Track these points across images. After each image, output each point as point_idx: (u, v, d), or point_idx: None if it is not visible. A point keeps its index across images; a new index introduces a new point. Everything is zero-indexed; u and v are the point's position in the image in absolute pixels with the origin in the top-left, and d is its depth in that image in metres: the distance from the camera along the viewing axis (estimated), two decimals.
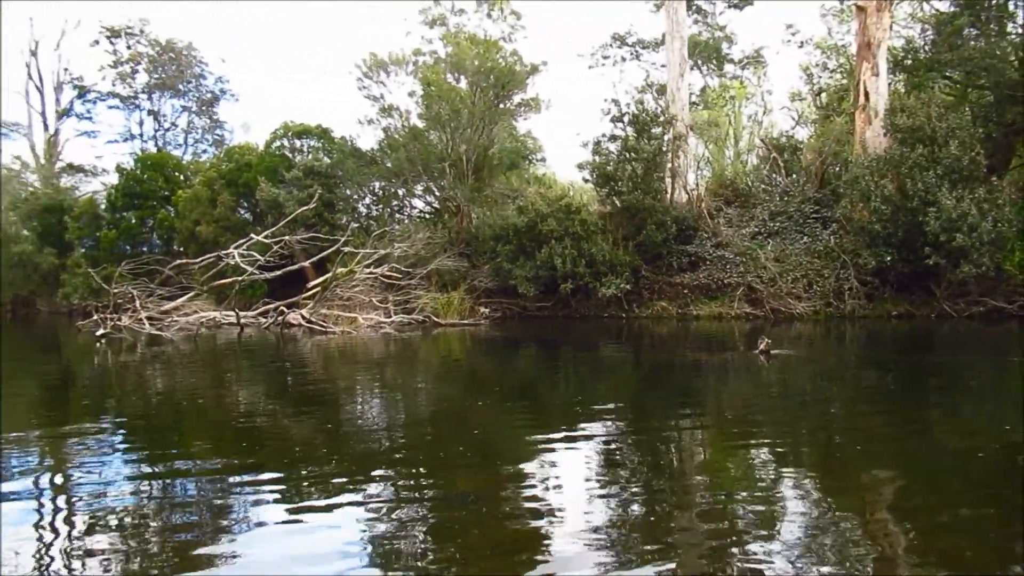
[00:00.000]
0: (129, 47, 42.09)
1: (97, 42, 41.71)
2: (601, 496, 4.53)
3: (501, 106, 24.85)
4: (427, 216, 26.99)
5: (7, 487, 4.83)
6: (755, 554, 3.54)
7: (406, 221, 26.78)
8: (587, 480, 4.89)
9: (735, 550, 3.61)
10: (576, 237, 20.78)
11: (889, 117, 19.14)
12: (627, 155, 21.83)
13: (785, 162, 23.66)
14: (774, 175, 23.69)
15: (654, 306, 21.12)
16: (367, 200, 27.38)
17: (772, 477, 5.01)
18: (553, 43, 59.21)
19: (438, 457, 5.68)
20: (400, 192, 26.87)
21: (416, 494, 4.61)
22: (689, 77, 26.63)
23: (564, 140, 76.19)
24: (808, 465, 5.36)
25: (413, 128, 24.75)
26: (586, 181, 24.23)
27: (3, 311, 32.91)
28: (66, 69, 41.10)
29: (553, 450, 5.71)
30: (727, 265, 20.72)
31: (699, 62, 33.80)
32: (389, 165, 24.77)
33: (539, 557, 3.57)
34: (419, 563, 3.50)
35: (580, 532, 3.85)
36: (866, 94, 20.46)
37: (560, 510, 4.25)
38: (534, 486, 4.74)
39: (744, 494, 4.60)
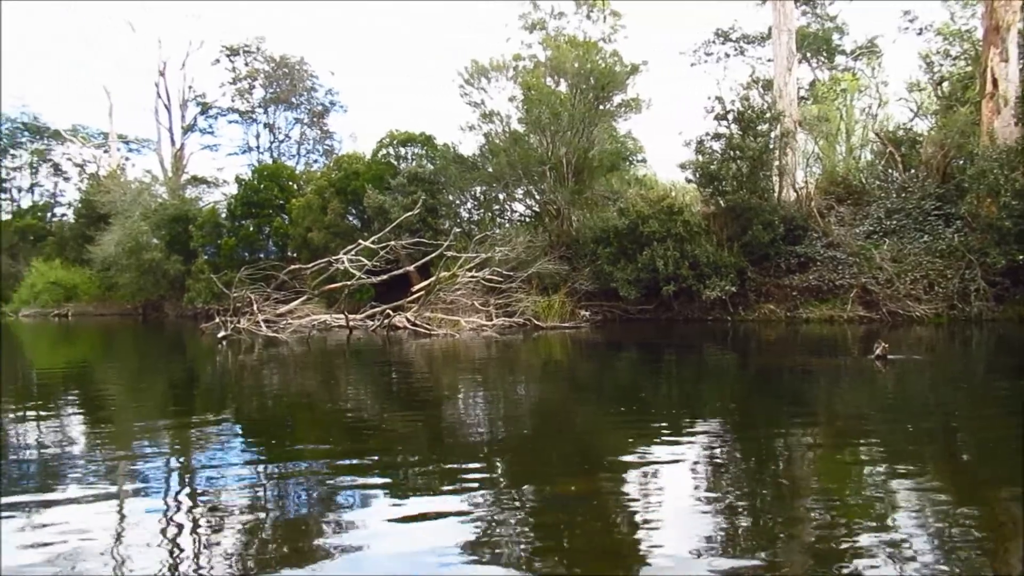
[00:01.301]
0: (247, 64, 44.59)
1: (218, 60, 44.43)
2: (705, 502, 4.45)
3: (601, 108, 24.72)
4: (528, 220, 27.16)
5: (140, 472, 5.23)
6: (865, 570, 3.39)
7: (507, 225, 27.06)
8: (690, 485, 4.80)
9: (845, 564, 3.47)
10: (679, 238, 20.41)
11: (1020, 105, 17.81)
12: (732, 153, 21.28)
13: (903, 156, 22.43)
14: (890, 170, 22.51)
15: (761, 309, 20.48)
16: (469, 205, 27.86)
17: (886, 489, 4.76)
18: (654, 42, 58.48)
19: (540, 458, 5.72)
20: (501, 196, 27.17)
21: (518, 495, 4.66)
22: (797, 71, 25.71)
23: (666, 140, 75.04)
24: (928, 478, 5.06)
25: (513, 133, 24.98)
26: (689, 181, 23.78)
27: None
28: (190, 87, 43.91)
29: (656, 454, 5.64)
30: (839, 266, 19.85)
31: (808, 55, 32.56)
32: (490, 170, 25.10)
33: (641, 561, 3.54)
34: (520, 564, 3.53)
35: (683, 538, 3.79)
36: (994, 81, 19.15)
37: (663, 515, 4.19)
38: (637, 490, 4.70)
39: (856, 505, 4.40)
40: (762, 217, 20.56)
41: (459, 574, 3.40)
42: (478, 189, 26.95)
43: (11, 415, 8.26)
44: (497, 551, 3.68)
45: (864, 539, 3.78)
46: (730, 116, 21.73)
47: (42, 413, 8.38)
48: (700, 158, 22.00)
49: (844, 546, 3.70)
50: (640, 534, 3.92)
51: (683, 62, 42.02)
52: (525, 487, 4.87)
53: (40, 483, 5.09)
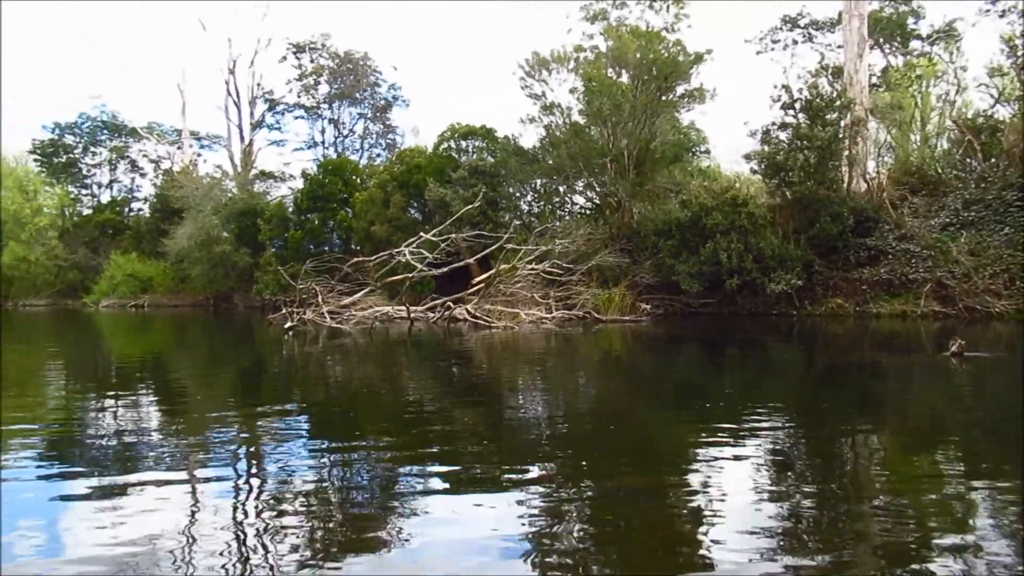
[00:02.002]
0: (312, 60, 45.45)
1: (285, 58, 45.42)
2: (768, 499, 4.35)
3: (664, 98, 24.36)
4: (588, 212, 27.02)
5: (211, 457, 5.42)
6: (938, 572, 3.26)
7: (567, 217, 26.96)
8: (753, 482, 4.71)
9: (916, 566, 3.35)
10: (743, 231, 20.00)
11: None
12: (799, 143, 20.72)
13: (982, 145, 21.44)
14: (969, 160, 21.55)
15: (828, 303, 19.91)
16: (529, 197, 27.87)
17: (960, 489, 4.57)
18: (719, 30, 57.31)
19: (599, 452, 5.69)
20: (561, 189, 27.09)
21: (577, 488, 4.65)
22: (869, 57, 24.83)
23: (730, 130, 73.49)
24: (1004, 479, 4.84)
25: (574, 125, 24.85)
26: (754, 172, 23.26)
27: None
28: (259, 84, 44.99)
29: (717, 450, 5.55)
30: (912, 259, 19.14)
31: (880, 40, 31.39)
32: (550, 162, 25.04)
33: (702, 558, 3.49)
34: (579, 558, 3.53)
35: (745, 535, 3.72)
36: None
37: (724, 511, 4.12)
38: (698, 486, 4.63)
39: (928, 505, 4.24)
40: (830, 209, 19.98)
41: (518, 568, 3.41)
42: (538, 182, 26.93)
43: (93, 401, 8.66)
44: (556, 543, 3.68)
45: (936, 540, 3.65)
46: (797, 105, 21.14)
47: (120, 399, 8.75)
48: (766, 148, 21.49)
49: (915, 548, 3.57)
50: (701, 530, 3.86)
51: (749, 51, 40.98)
52: (585, 480, 4.86)
53: (118, 466, 5.32)
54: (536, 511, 4.14)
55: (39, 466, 5.27)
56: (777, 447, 5.74)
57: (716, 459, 5.28)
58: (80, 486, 4.80)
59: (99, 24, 72.46)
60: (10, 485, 4.78)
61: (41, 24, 71.63)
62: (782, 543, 3.63)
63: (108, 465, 5.38)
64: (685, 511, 4.16)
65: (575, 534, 3.82)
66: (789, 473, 5.02)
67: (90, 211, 48.37)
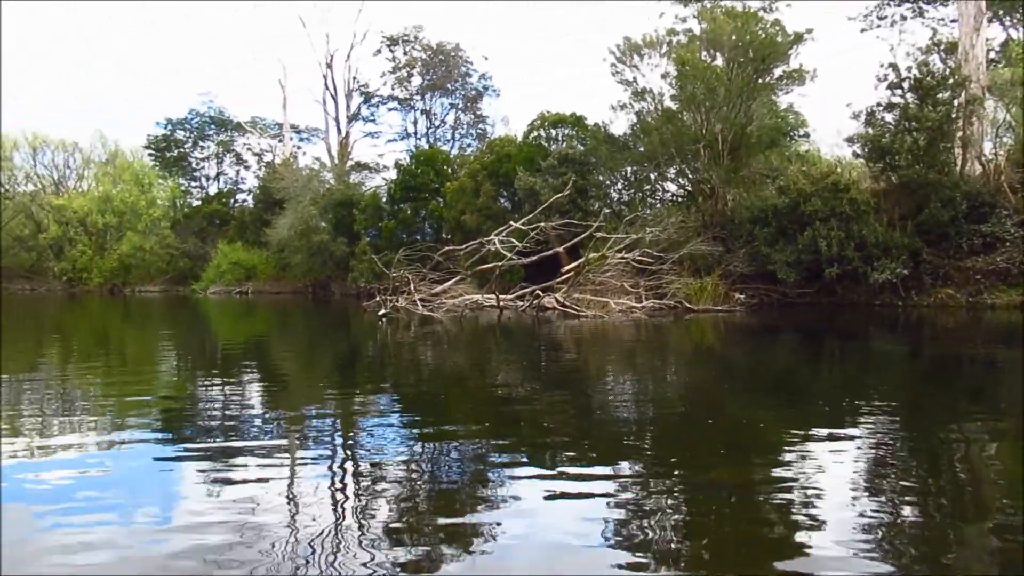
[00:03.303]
0: (405, 53, 46.26)
1: (379, 51, 46.38)
2: (867, 497, 4.16)
3: (760, 81, 23.54)
4: (680, 200, 26.52)
5: (308, 438, 5.64)
6: None
7: (658, 205, 26.56)
8: (851, 479, 4.51)
9: None
10: (844, 218, 19.16)
11: None
12: (907, 125, 19.65)
13: None
14: None
15: (937, 293, 18.86)
16: (619, 185, 27.56)
17: None
18: (819, 9, 54.83)
19: (690, 445, 5.59)
20: (652, 176, 26.68)
21: (666, 482, 4.58)
22: (987, 31, 23.22)
23: (831, 113, 70.38)
24: None
25: (666, 110, 24.37)
26: (856, 156, 22.22)
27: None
28: (355, 78, 46.14)
29: (813, 446, 5.35)
30: None
31: (999, 12, 29.27)
32: (641, 149, 24.68)
33: (796, 556, 3.37)
34: (668, 553, 3.47)
35: (842, 533, 3.57)
36: None
37: (820, 509, 3.96)
38: (792, 482, 4.47)
39: None
40: (941, 193, 18.87)
41: (605, 560, 3.39)
42: (629, 169, 26.58)
43: (201, 380, 9.16)
44: (644, 535, 3.64)
45: None
46: (906, 84, 20.02)
47: (226, 379, 9.22)
48: (870, 131, 20.47)
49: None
50: (795, 527, 3.73)
51: (852, 29, 39.08)
52: (674, 473, 4.78)
53: (223, 440, 5.60)
54: (624, 503, 4.11)
55: (152, 438, 5.66)
56: (878, 444, 5.48)
57: (812, 455, 5.10)
58: (188, 458, 5.12)
59: (208, 24, 76.06)
60: (125, 454, 5.18)
61: (156, 26, 75.96)
62: (881, 547, 3.47)
63: (214, 439, 5.69)
64: (779, 508, 4.03)
65: (664, 528, 3.77)
66: (891, 473, 4.79)
67: (199, 202, 50.90)
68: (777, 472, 4.74)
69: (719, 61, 23.82)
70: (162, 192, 49.21)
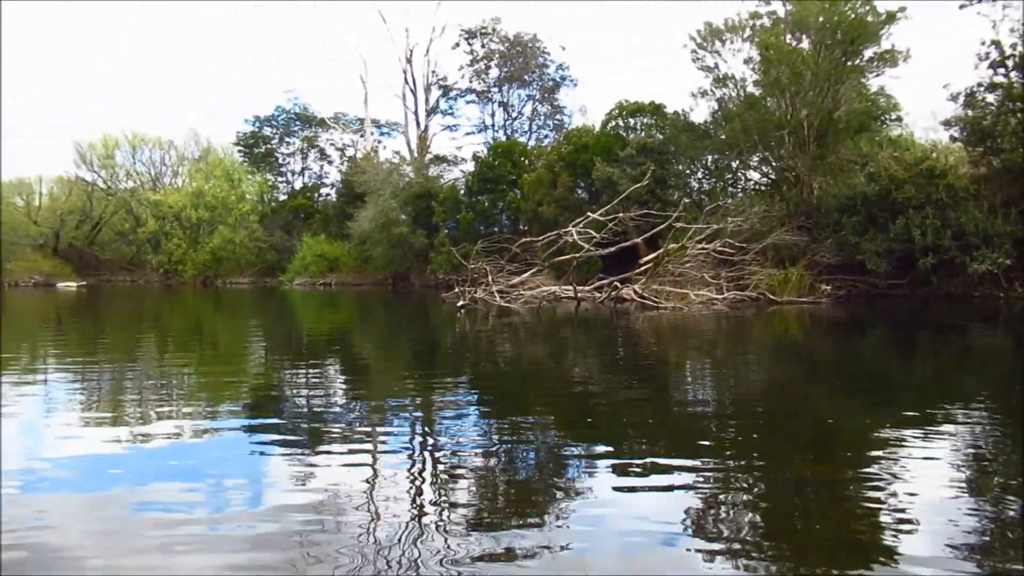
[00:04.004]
0: (483, 46, 46.49)
1: (457, 44, 46.75)
2: (961, 497, 3.97)
3: (849, 63, 22.60)
4: (763, 188, 25.83)
5: (388, 426, 5.77)
6: None
7: (740, 194, 25.93)
8: (946, 479, 4.29)
9: None
10: (940, 205, 18.25)
11: None
12: (1011, 105, 18.57)
13: None
14: None
15: None
16: (699, 174, 27.08)
17: None
18: None
19: (772, 441, 5.44)
20: (734, 164, 26.07)
21: (747, 478, 4.47)
22: None
23: (927, 95, 67.00)
24: None
25: (749, 96, 23.74)
26: (954, 140, 21.14)
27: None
28: (433, 72, 46.72)
29: (904, 443, 5.12)
30: None
31: None
32: (723, 137, 24.16)
33: (886, 557, 3.24)
34: (749, 552, 3.39)
35: (936, 535, 3.41)
36: None
37: (911, 508, 3.79)
38: (881, 480, 4.29)
39: None
40: None
41: (684, 559, 3.35)
42: (709, 158, 26.06)
43: (288, 368, 9.50)
44: (724, 532, 3.57)
45: None
46: (1010, 62, 18.89)
47: (311, 367, 9.53)
48: (970, 113, 19.46)
49: None
50: (882, 528, 3.59)
51: (950, 6, 37.03)
52: (756, 468, 4.67)
53: (308, 426, 5.81)
54: (703, 500, 4.02)
55: (241, 425, 5.92)
56: (974, 443, 5.21)
57: (904, 453, 4.88)
58: (276, 442, 5.34)
59: (289, 22, 78.40)
60: (219, 438, 5.46)
61: (245, 27, 78.84)
62: (975, 549, 3.30)
63: (300, 425, 5.92)
64: (868, 507, 3.88)
65: (744, 526, 3.69)
66: (987, 473, 4.55)
67: (285, 197, 52.67)
68: (866, 470, 4.56)
69: (805, 44, 23.02)
70: (251, 187, 51.06)
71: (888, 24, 22.08)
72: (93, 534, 3.49)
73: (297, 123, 54.53)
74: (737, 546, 3.38)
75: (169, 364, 9.92)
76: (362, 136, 50.14)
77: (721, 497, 4.06)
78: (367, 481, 4.37)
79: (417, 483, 4.39)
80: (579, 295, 20.34)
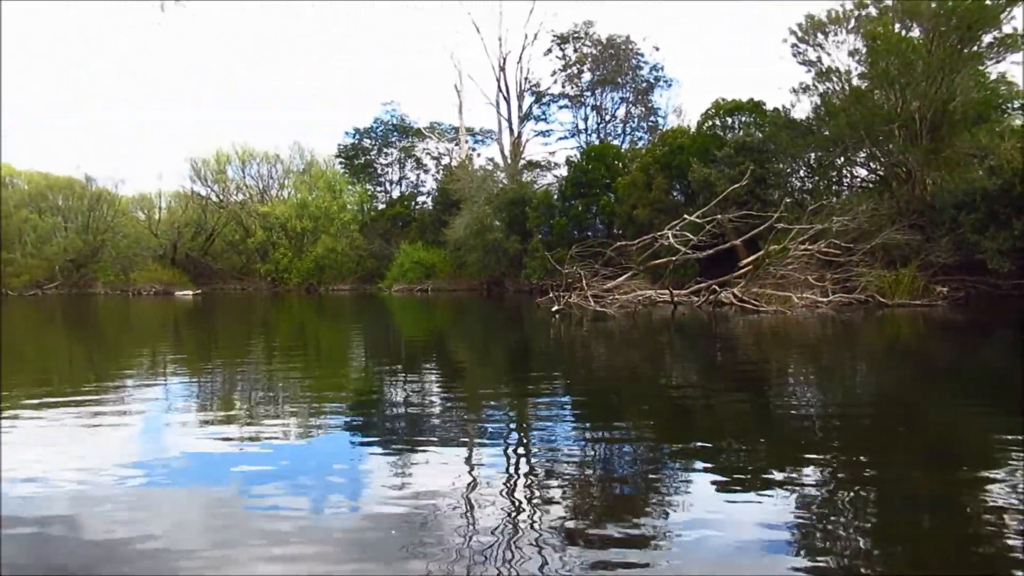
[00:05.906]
0: (575, 50, 46.42)
1: (550, 50, 46.87)
2: None
3: (966, 51, 21.27)
4: (871, 185, 24.67)
5: (484, 430, 5.82)
6: None
7: (845, 192, 24.89)
8: None
9: None
10: None
11: None
12: None
13: None
14: None
15: None
16: (801, 173, 26.12)
17: None
18: None
19: (882, 450, 5.16)
20: (838, 161, 25.01)
21: (855, 488, 4.26)
22: None
23: None
24: None
25: (855, 89, 22.74)
26: None
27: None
28: (526, 78, 46.99)
29: None
30: None
31: None
32: (826, 133, 23.21)
33: (1010, 571, 3.01)
34: (857, 564, 3.22)
35: None
36: None
37: None
38: (1002, 494, 4.00)
39: None
40: None
41: (788, 571, 3.21)
42: (812, 155, 25.08)
43: (387, 373, 9.75)
44: (830, 544, 3.41)
45: None
46: None
47: (409, 372, 9.74)
48: None
49: None
50: (1004, 544, 3.33)
51: None
52: (864, 478, 4.44)
53: (406, 430, 5.94)
54: (808, 509, 3.86)
55: (342, 425, 6.13)
56: None
57: None
58: (376, 444, 5.50)
59: (388, 33, 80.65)
60: (324, 439, 5.67)
61: (345, 37, 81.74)
62: None
63: (398, 428, 6.07)
64: (984, 521, 3.62)
65: (852, 537, 3.51)
66: None
67: (383, 206, 54.20)
68: (987, 482, 4.26)
69: (916, 32, 21.84)
70: (351, 197, 52.76)
71: (1010, 6, 20.66)
72: (204, 529, 3.68)
73: (395, 134, 55.99)
74: (844, 559, 3.22)
75: (276, 368, 10.36)
76: (457, 145, 50.97)
77: (826, 507, 3.89)
78: (461, 487, 4.41)
79: (511, 491, 4.39)
80: (676, 299, 19.96)
